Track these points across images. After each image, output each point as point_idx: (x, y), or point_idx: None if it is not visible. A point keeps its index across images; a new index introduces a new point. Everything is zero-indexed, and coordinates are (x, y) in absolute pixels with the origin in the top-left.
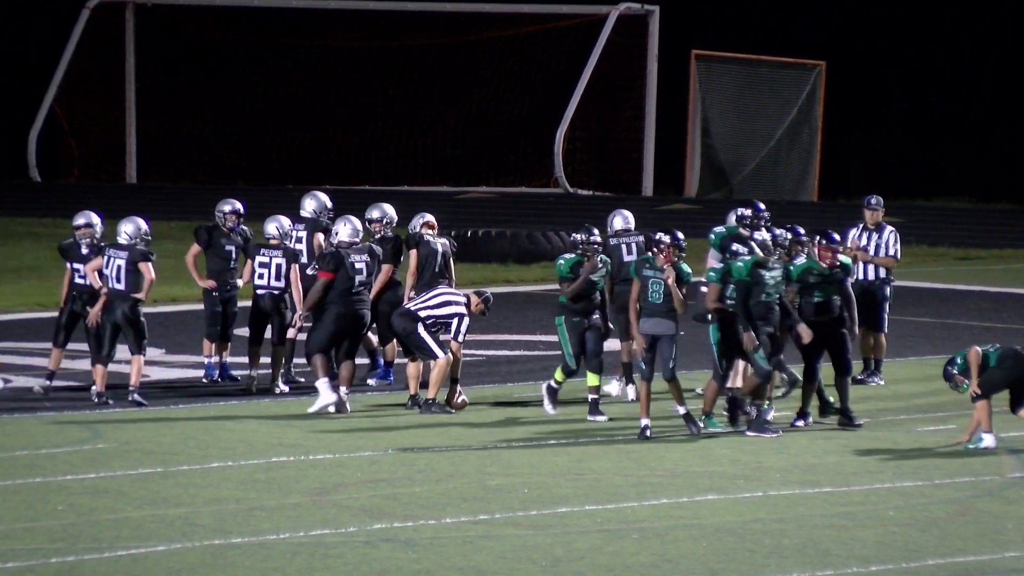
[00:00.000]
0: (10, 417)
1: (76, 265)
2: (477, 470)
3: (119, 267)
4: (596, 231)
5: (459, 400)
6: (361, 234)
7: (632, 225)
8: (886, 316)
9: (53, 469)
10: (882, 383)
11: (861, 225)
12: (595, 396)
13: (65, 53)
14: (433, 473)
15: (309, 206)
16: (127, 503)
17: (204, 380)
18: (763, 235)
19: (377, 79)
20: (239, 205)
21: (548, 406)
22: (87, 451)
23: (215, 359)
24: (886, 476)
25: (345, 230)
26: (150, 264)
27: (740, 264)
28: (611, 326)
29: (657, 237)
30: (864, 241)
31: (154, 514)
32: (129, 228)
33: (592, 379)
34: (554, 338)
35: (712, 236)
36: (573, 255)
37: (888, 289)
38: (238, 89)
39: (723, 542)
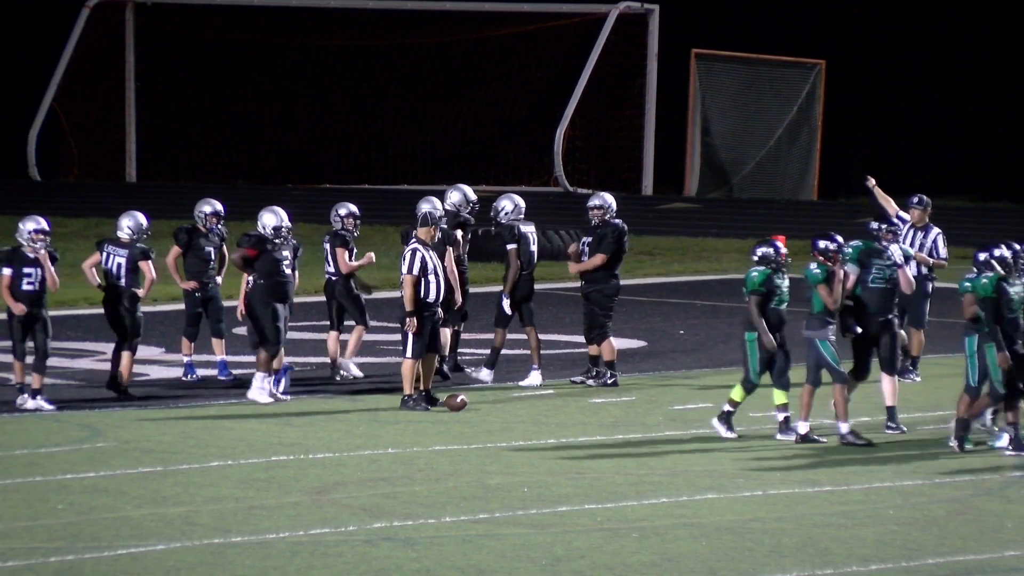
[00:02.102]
0: (10, 416)
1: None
2: (477, 469)
3: (119, 264)
4: (839, 239)
5: (459, 400)
6: (286, 228)
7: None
8: (927, 313)
9: (52, 468)
10: (918, 379)
11: (907, 224)
12: (786, 414)
13: (65, 52)
14: (433, 472)
15: (453, 198)
16: (126, 502)
17: (185, 378)
18: (897, 248)
19: (377, 78)
20: (219, 206)
21: (724, 431)
22: (86, 450)
23: (194, 357)
24: (886, 475)
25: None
26: (150, 262)
27: (985, 280)
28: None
29: (823, 245)
30: (910, 240)
31: (154, 513)
32: (130, 223)
33: (781, 396)
34: (551, 336)
35: (849, 250)
36: (766, 267)
37: (930, 286)
38: (238, 88)
39: (723, 541)
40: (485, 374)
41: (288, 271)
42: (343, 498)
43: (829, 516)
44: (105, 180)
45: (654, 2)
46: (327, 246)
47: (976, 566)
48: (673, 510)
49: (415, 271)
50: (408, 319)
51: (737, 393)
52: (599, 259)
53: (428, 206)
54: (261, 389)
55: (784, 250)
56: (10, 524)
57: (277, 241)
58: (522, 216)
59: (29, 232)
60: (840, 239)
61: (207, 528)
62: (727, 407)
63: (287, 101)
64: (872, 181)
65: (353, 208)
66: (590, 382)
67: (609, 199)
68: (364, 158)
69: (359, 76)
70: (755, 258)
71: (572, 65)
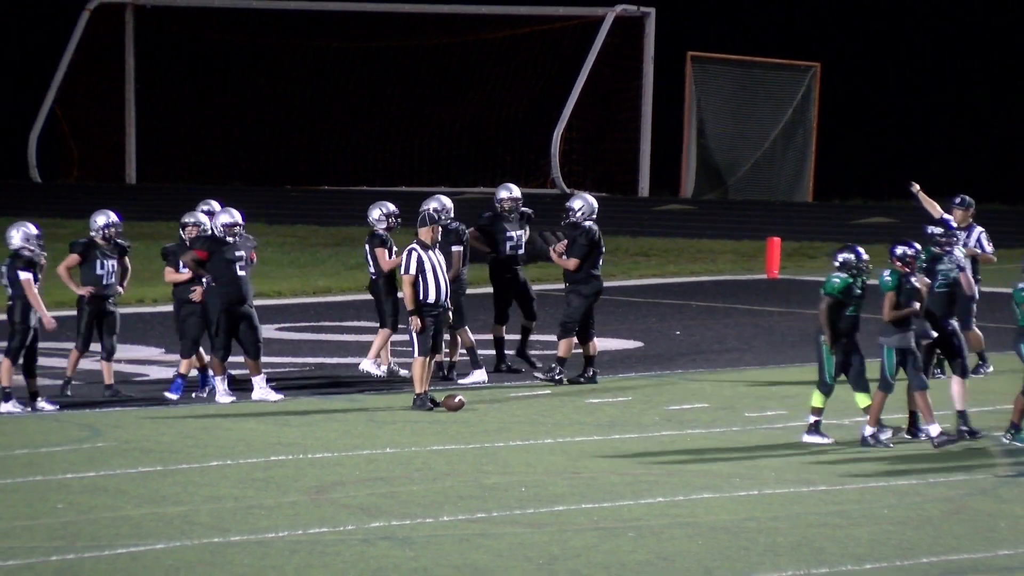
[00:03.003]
0: (9, 416)
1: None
2: (474, 468)
3: (113, 264)
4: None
5: (456, 400)
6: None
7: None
8: (973, 313)
9: (52, 467)
10: (990, 370)
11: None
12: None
13: (65, 54)
14: (430, 472)
15: (513, 193)
16: (126, 501)
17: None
18: (959, 250)
19: (375, 80)
20: (114, 217)
21: (821, 439)
22: (86, 450)
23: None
24: (880, 475)
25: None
26: (126, 257)
27: None
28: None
29: (901, 251)
30: None
31: (153, 512)
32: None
33: (863, 399)
34: (550, 337)
35: (886, 282)
36: (847, 274)
37: (977, 288)
38: (237, 89)
39: (718, 540)
40: (478, 375)
41: (242, 272)
42: (341, 498)
43: (824, 515)
44: (105, 181)
45: (650, 5)
46: (367, 247)
47: (970, 565)
48: (669, 509)
49: (412, 271)
50: (411, 318)
51: (816, 399)
52: (571, 263)
53: (436, 204)
54: (224, 392)
55: (866, 256)
56: (10, 523)
57: (230, 240)
58: (451, 216)
59: (101, 227)
60: (918, 246)
61: (206, 527)
62: (812, 417)
63: (285, 103)
64: (916, 186)
65: (392, 207)
66: (538, 374)
67: (581, 203)
68: (362, 160)
69: (356, 78)
70: (836, 263)
71: (569, 67)
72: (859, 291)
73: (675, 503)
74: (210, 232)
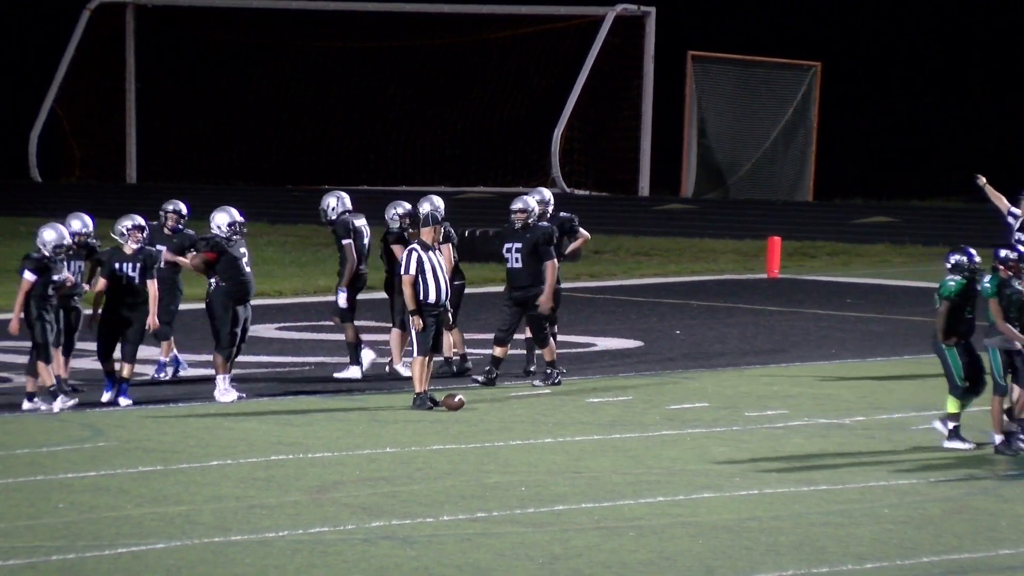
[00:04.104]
0: (11, 415)
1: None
2: (475, 468)
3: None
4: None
5: (456, 399)
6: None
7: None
8: None
9: (54, 467)
10: None
11: (1019, 218)
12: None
13: (66, 54)
14: (431, 471)
15: (548, 194)
16: (127, 501)
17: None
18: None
19: (376, 80)
20: (85, 223)
21: (963, 444)
22: (88, 449)
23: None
24: (881, 474)
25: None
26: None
27: None
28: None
29: (1004, 255)
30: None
31: (154, 512)
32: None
33: (953, 405)
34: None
35: (987, 285)
36: (961, 277)
37: None
38: (237, 89)
39: (720, 539)
40: (352, 371)
41: (248, 268)
42: (342, 497)
43: (825, 515)
44: (106, 181)
45: (650, 4)
46: (383, 245)
47: (971, 564)
48: (670, 509)
49: (412, 271)
50: (412, 318)
51: (951, 405)
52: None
53: (429, 206)
54: (225, 391)
55: (978, 258)
56: (12, 523)
57: (234, 239)
58: (350, 209)
59: (126, 229)
60: (1022, 249)
61: (207, 527)
62: (950, 424)
63: (286, 103)
64: (983, 180)
65: (408, 206)
66: (478, 377)
67: (532, 203)
68: (363, 159)
69: (358, 78)
70: (948, 266)
71: (569, 67)
72: (974, 293)
73: (676, 502)
74: (213, 234)
